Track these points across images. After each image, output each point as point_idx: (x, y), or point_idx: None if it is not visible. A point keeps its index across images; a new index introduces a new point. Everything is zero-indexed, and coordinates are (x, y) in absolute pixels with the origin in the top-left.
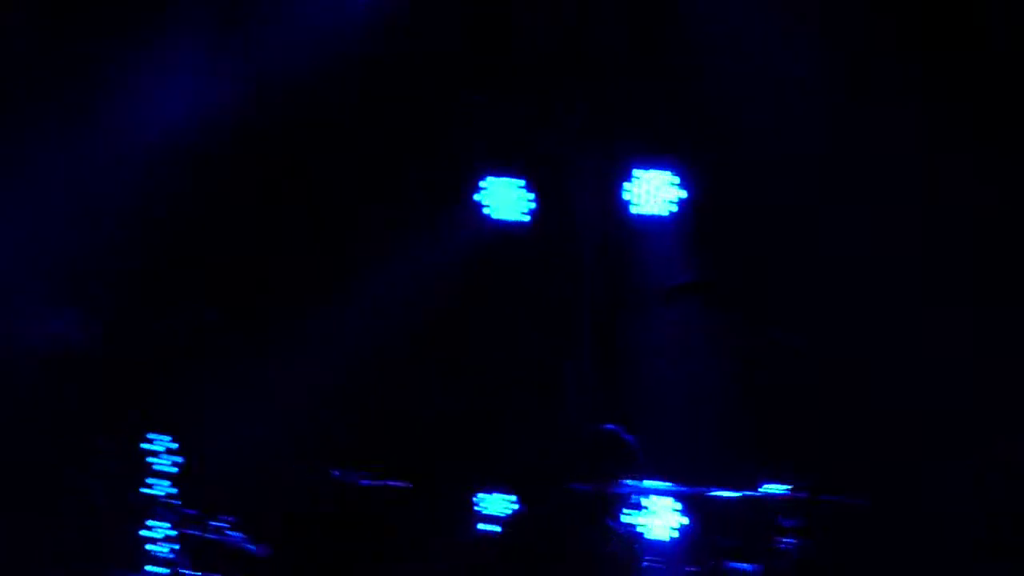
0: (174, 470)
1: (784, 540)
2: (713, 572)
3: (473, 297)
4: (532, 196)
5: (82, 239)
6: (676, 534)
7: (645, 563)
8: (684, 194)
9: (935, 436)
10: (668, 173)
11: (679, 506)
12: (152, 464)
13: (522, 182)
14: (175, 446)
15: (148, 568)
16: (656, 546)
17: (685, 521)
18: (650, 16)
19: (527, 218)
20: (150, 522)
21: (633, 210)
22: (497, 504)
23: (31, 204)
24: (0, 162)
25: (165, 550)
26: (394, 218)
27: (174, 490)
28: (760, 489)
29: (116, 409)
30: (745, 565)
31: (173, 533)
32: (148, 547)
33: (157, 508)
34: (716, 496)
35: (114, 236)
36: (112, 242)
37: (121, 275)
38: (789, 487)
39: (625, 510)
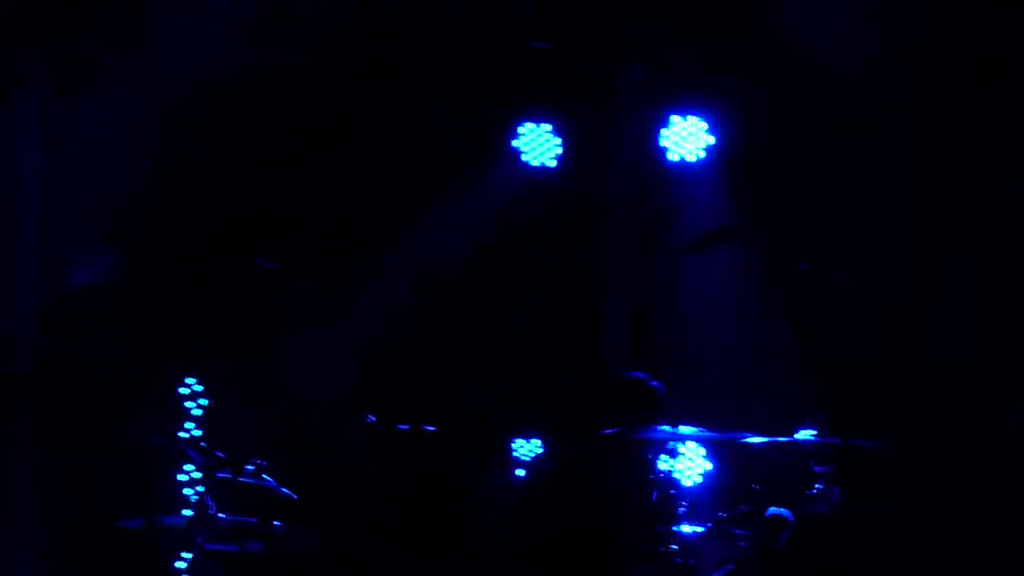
0: (204, 413)
1: (816, 485)
2: (745, 518)
3: (507, 245)
4: (562, 142)
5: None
6: (706, 479)
7: (680, 508)
8: (714, 140)
9: (969, 385)
10: (703, 119)
11: (710, 452)
12: (188, 408)
13: (550, 127)
14: (208, 390)
15: (184, 511)
16: (689, 491)
17: (713, 467)
18: None
19: (555, 163)
20: (185, 466)
21: (669, 156)
22: (532, 450)
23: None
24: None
25: (199, 494)
26: (429, 167)
27: (202, 433)
28: (793, 435)
29: (154, 352)
30: (777, 510)
31: (206, 477)
32: (184, 491)
33: (191, 451)
34: (748, 442)
35: (162, 180)
36: (159, 186)
37: (164, 218)
38: (820, 433)
39: (659, 456)
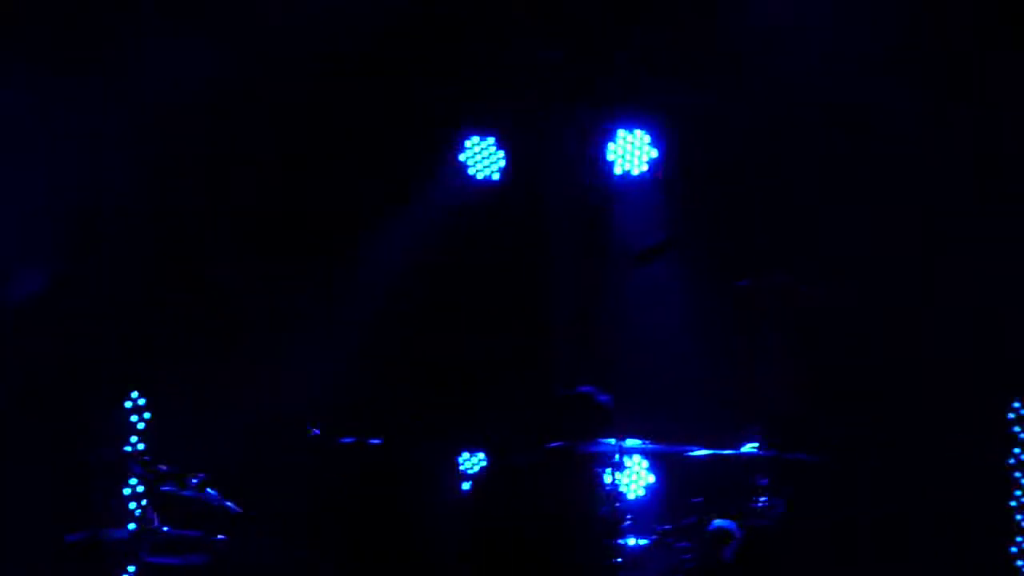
0: (147, 427)
1: (760, 498)
2: (689, 530)
3: (454, 258)
4: (505, 155)
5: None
6: (650, 492)
7: (625, 521)
8: (656, 153)
9: (915, 396)
10: (646, 133)
11: (654, 465)
12: (132, 422)
13: (491, 140)
14: (153, 403)
15: (128, 524)
16: (633, 504)
17: (656, 479)
18: None
19: (498, 176)
20: (130, 479)
21: (614, 169)
22: (477, 464)
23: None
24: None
25: (142, 507)
26: (375, 181)
27: (146, 446)
28: (737, 448)
29: (99, 365)
30: (722, 522)
31: (150, 490)
32: (129, 504)
33: (135, 466)
34: (692, 455)
35: (120, 189)
36: (116, 196)
37: (109, 229)
38: (762, 445)
39: (603, 469)
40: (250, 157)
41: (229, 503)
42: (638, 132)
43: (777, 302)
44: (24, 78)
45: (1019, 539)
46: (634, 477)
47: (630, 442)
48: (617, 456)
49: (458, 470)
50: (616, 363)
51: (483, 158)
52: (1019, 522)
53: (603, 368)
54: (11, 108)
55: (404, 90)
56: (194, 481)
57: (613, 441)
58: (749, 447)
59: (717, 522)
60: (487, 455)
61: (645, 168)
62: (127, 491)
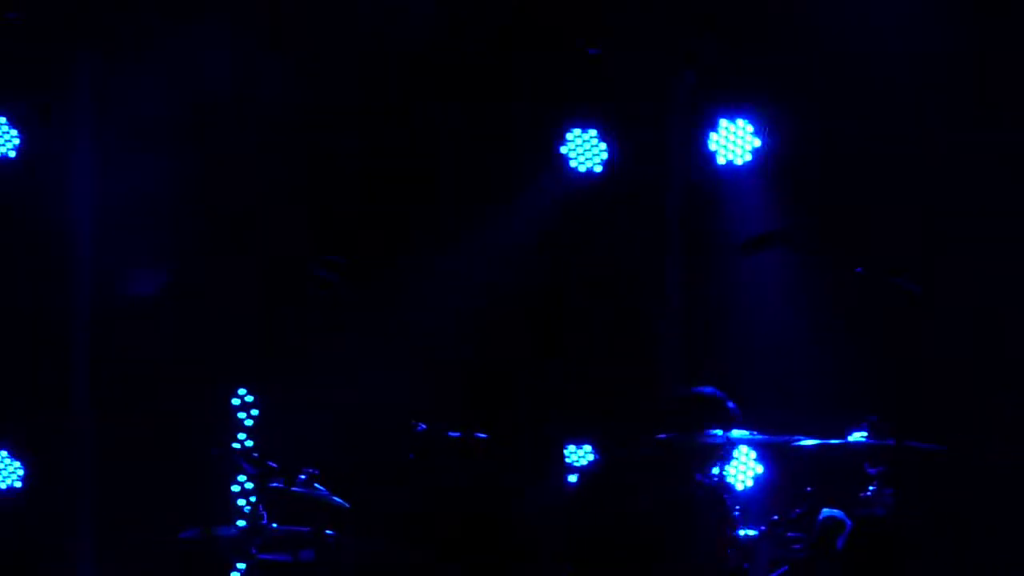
0: (255, 423)
1: (870, 487)
2: (799, 520)
3: (558, 251)
4: (608, 147)
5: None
6: (758, 483)
7: (735, 512)
8: (760, 143)
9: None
10: (751, 122)
11: (762, 455)
12: (240, 418)
13: (595, 132)
14: (260, 400)
15: (238, 521)
16: (742, 495)
17: (765, 470)
18: None
19: (601, 168)
20: (239, 476)
21: (719, 160)
22: (585, 456)
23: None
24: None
25: (251, 503)
26: (478, 175)
27: (255, 443)
28: (846, 437)
29: (207, 362)
30: (831, 511)
31: (259, 487)
32: (237, 501)
33: (244, 462)
34: (801, 444)
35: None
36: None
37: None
38: (873, 435)
39: (713, 460)
40: (354, 158)
41: (338, 499)
42: (740, 121)
43: (886, 293)
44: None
45: None
46: (743, 468)
47: (736, 432)
48: (723, 447)
49: (565, 463)
50: (724, 353)
51: (586, 150)
52: None
53: (711, 358)
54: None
55: (506, 83)
56: (302, 477)
57: (720, 432)
58: (858, 436)
59: (826, 511)
60: (595, 449)
61: (749, 158)
62: (236, 488)
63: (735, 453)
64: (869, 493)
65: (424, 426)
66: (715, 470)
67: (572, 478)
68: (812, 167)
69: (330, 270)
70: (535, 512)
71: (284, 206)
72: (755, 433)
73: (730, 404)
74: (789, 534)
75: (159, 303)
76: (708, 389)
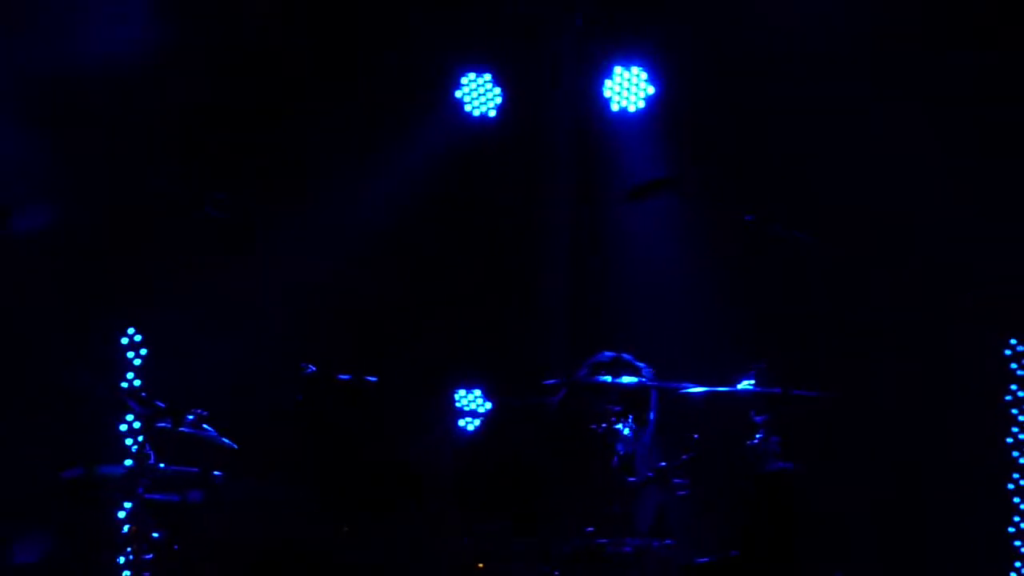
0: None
1: (756, 436)
2: (685, 467)
3: (449, 195)
4: (502, 92)
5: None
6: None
7: (616, 459)
8: (654, 91)
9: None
10: (645, 69)
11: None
12: (128, 358)
13: (490, 77)
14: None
15: (126, 462)
16: (630, 440)
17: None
18: None
19: (495, 113)
20: (126, 416)
21: (612, 107)
22: (474, 402)
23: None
24: None
25: (139, 443)
26: (369, 116)
27: (142, 382)
28: (734, 385)
29: (94, 302)
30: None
31: (146, 427)
32: (125, 441)
33: (132, 402)
34: (689, 392)
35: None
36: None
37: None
38: (760, 382)
39: (602, 408)
40: (245, 99)
41: (226, 440)
42: (635, 69)
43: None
44: None
45: (1016, 476)
46: (632, 414)
47: (625, 379)
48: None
49: (454, 408)
50: (612, 300)
51: (480, 95)
52: (1016, 459)
53: (598, 305)
54: None
55: (400, 26)
56: (190, 418)
57: (609, 378)
58: (746, 384)
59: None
60: (485, 394)
61: (642, 105)
62: (123, 427)
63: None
64: (756, 441)
65: (313, 368)
66: (602, 417)
67: (461, 423)
68: (705, 115)
69: (219, 209)
70: (423, 455)
71: (171, 147)
72: (644, 380)
73: (642, 366)
74: (675, 480)
75: (48, 240)
76: (620, 354)
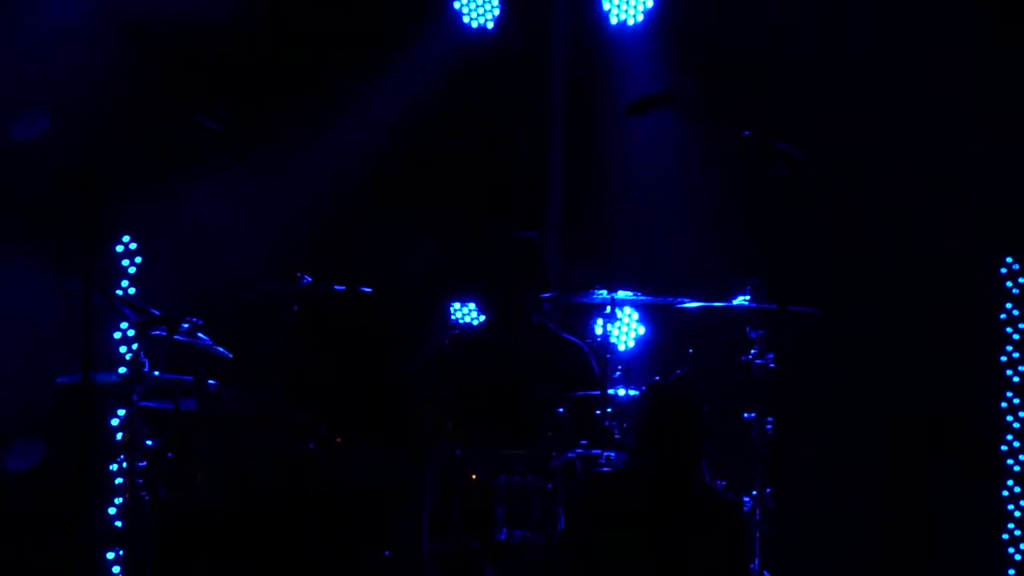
0: (138, 271)
1: (751, 351)
2: (679, 382)
3: (445, 108)
4: (500, 3)
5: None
6: (640, 344)
7: (616, 373)
8: (653, 3)
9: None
10: None
11: (645, 316)
12: (123, 266)
13: None
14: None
15: (120, 369)
16: (623, 356)
17: (647, 331)
18: None
19: (493, 25)
20: (121, 323)
21: (611, 19)
22: (468, 313)
23: None
24: None
25: (133, 351)
26: (366, 25)
27: (137, 290)
28: (729, 300)
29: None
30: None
31: (141, 335)
32: (120, 348)
33: (126, 309)
34: (683, 306)
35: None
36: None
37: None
38: (756, 299)
39: (596, 319)
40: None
41: (221, 348)
42: None
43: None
44: None
45: (1009, 394)
46: (626, 328)
47: (621, 294)
48: (608, 308)
49: (449, 319)
50: (610, 216)
51: (478, 6)
52: (1009, 378)
53: (595, 220)
54: None
55: None
56: (185, 326)
57: (605, 293)
58: (741, 299)
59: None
60: (478, 307)
61: (641, 18)
62: (118, 335)
63: (619, 313)
64: (750, 356)
65: (309, 279)
66: (598, 330)
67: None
68: (705, 28)
69: (215, 120)
70: (417, 366)
71: (172, 63)
72: (638, 294)
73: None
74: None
75: (45, 147)
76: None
